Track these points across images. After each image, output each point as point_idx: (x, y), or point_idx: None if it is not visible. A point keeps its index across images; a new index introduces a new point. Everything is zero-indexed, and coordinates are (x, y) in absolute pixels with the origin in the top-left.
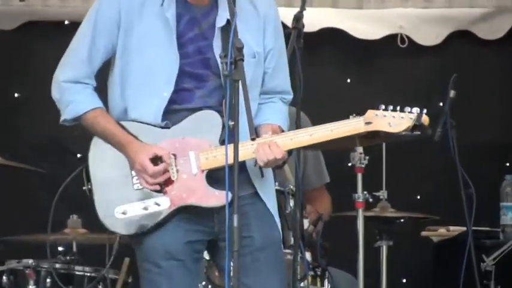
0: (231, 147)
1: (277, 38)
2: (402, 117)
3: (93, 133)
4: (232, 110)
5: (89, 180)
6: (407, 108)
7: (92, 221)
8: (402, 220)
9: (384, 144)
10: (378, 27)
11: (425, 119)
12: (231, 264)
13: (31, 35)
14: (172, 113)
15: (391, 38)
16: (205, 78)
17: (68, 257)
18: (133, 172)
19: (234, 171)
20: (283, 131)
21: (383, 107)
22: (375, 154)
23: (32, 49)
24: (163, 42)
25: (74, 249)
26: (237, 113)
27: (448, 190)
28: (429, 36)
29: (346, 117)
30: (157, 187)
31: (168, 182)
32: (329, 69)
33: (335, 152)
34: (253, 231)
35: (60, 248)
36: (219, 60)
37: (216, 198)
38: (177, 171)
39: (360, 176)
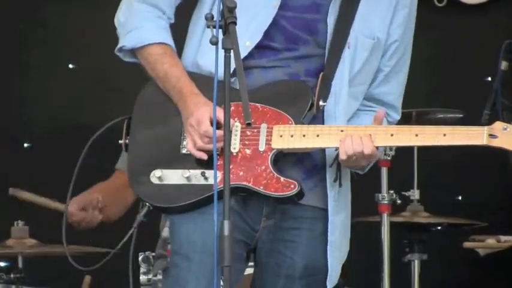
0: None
1: (407, 30)
2: None
3: (152, 74)
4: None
5: (128, 134)
6: None
7: (42, 228)
8: (439, 227)
9: None
10: None
11: None
12: (221, 283)
13: None
14: (244, 70)
15: None
16: (302, 41)
17: (12, 275)
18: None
19: (225, 163)
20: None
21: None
22: None
23: None
24: None
25: (20, 265)
26: (227, 91)
27: (498, 190)
28: None
29: None
30: (204, 155)
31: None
32: None
33: None
34: (298, 254)
35: (1, 264)
36: (330, 29)
37: (280, 185)
38: (241, 143)
39: (385, 171)
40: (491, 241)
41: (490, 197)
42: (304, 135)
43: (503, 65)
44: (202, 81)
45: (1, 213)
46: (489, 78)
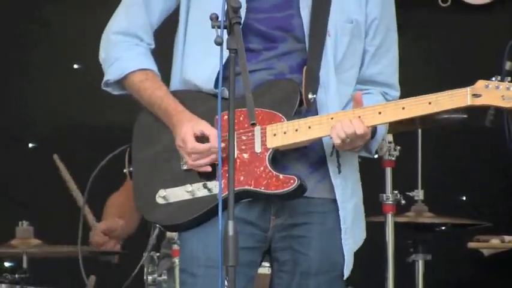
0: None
1: (386, 6)
2: None
3: (139, 100)
4: (231, 85)
5: (131, 162)
6: None
7: (46, 229)
8: (443, 228)
9: (419, 132)
10: None
11: None
12: (225, 284)
13: None
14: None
15: None
16: (280, 39)
17: (16, 275)
18: None
19: (230, 159)
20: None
21: (498, 78)
22: (408, 143)
23: None
24: None
25: (25, 265)
26: (232, 89)
27: (503, 190)
28: None
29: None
30: (208, 168)
31: (225, 163)
32: None
33: None
34: (311, 250)
35: (6, 264)
36: (305, 22)
37: (280, 183)
38: (238, 149)
39: (389, 171)
40: (495, 241)
41: (494, 197)
42: (296, 130)
43: (508, 65)
44: (188, 96)
45: (5, 214)
46: (493, 79)
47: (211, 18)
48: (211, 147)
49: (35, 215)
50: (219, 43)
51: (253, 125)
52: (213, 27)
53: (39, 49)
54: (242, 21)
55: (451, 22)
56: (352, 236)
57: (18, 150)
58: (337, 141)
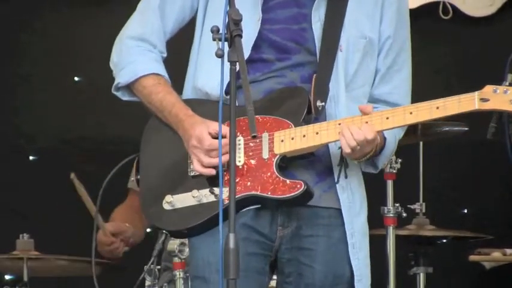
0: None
1: (399, 26)
2: None
3: (149, 106)
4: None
5: (139, 170)
6: None
7: (47, 241)
8: (445, 240)
9: (421, 144)
10: None
11: None
12: None
13: None
14: (240, 87)
15: (431, 7)
16: (293, 51)
17: None
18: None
19: (230, 167)
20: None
21: (507, 83)
22: (409, 156)
23: None
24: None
25: (25, 277)
26: (233, 102)
27: (504, 202)
28: (480, 3)
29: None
30: (212, 171)
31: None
32: None
33: None
34: (317, 262)
35: (7, 276)
36: (317, 35)
37: (286, 188)
38: (245, 156)
39: (390, 184)
40: (496, 254)
41: (495, 210)
42: (304, 136)
43: (509, 78)
44: (196, 104)
45: (6, 226)
46: None
47: (212, 31)
48: (226, 143)
49: (36, 228)
50: (219, 56)
51: (254, 137)
52: (213, 39)
53: (40, 61)
54: (257, 32)
55: (452, 34)
56: (363, 249)
57: (19, 163)
58: (347, 150)
